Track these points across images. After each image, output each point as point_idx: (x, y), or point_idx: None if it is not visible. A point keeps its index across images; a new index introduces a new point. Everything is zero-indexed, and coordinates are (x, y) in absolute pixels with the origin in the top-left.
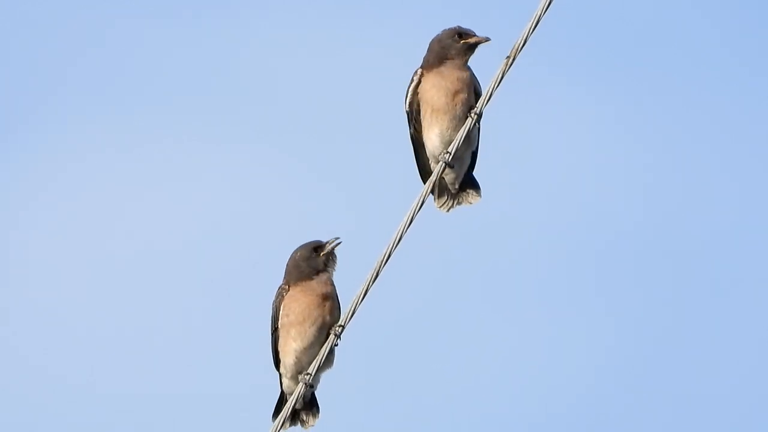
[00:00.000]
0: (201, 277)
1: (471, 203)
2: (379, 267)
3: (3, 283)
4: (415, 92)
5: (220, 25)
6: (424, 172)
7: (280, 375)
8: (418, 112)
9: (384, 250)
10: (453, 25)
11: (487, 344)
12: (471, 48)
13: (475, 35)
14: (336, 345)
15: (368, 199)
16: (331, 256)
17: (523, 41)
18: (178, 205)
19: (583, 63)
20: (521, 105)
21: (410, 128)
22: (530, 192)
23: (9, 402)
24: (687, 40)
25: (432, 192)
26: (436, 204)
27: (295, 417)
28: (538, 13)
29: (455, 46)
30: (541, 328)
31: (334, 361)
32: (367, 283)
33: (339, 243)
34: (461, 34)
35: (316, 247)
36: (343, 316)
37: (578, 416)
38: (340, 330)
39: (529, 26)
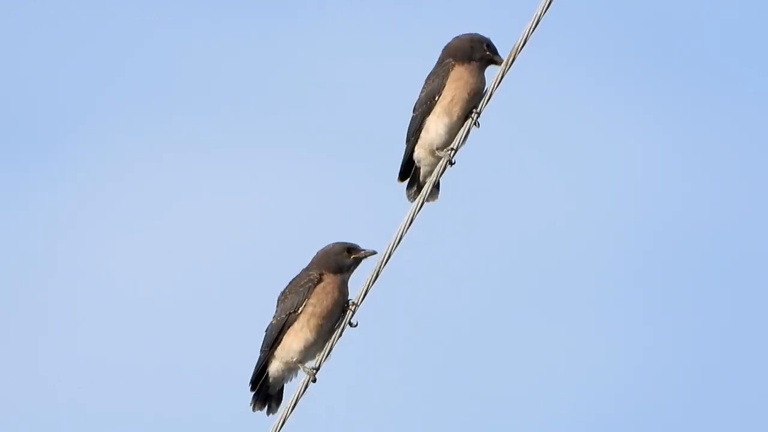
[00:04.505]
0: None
1: (429, 201)
2: (379, 267)
3: (46, 291)
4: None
5: (265, 32)
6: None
7: (272, 357)
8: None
9: (384, 250)
10: (473, 31)
11: (487, 344)
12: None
13: (497, 54)
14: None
15: (368, 199)
16: (359, 262)
17: (523, 41)
18: (223, 213)
19: (607, 59)
20: (539, 103)
21: (418, 114)
22: (528, 191)
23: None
24: (705, 34)
25: (402, 176)
26: (402, 188)
27: (266, 401)
28: (538, 13)
29: (483, 54)
30: (542, 329)
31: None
32: (367, 284)
33: (373, 254)
34: (489, 46)
35: (351, 248)
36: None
37: (574, 415)
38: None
39: (529, 26)
